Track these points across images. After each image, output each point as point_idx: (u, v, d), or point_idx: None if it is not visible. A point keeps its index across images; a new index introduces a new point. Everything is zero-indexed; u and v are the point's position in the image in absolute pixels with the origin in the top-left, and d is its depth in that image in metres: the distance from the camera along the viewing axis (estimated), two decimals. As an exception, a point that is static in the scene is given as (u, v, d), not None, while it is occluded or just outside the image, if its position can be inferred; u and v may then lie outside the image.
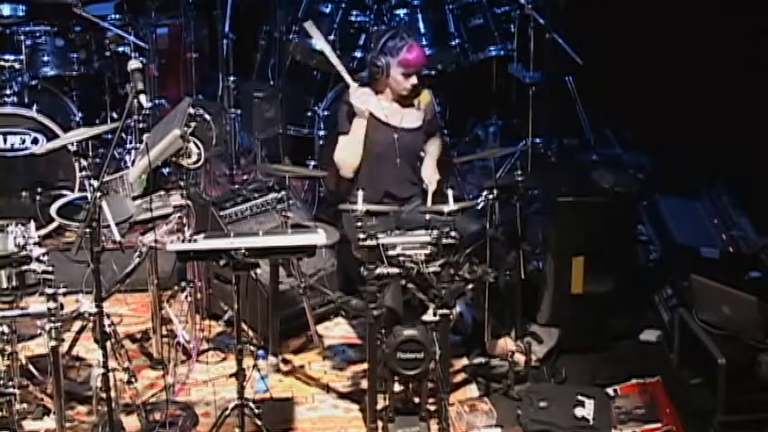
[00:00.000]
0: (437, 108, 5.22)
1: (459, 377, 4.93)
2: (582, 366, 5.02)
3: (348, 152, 5.00)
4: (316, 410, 4.74)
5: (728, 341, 4.61)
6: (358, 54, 6.61)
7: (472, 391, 4.86)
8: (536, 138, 6.57)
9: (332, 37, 6.55)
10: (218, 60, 7.01)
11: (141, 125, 6.51)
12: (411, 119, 5.09)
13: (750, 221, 5.78)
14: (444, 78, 6.76)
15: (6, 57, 6.36)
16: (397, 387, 4.49)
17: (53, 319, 3.87)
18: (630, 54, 6.83)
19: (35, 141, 6.06)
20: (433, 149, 5.25)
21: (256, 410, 4.27)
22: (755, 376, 4.56)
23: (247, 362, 4.32)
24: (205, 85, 7.39)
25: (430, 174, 5.12)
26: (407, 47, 4.91)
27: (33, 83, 6.40)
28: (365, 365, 4.50)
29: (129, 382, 4.54)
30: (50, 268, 4.06)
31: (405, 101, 5.06)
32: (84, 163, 4.54)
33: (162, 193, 4.83)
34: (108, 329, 4.38)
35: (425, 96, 5.12)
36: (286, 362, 5.07)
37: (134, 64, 4.12)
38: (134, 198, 4.84)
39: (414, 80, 4.97)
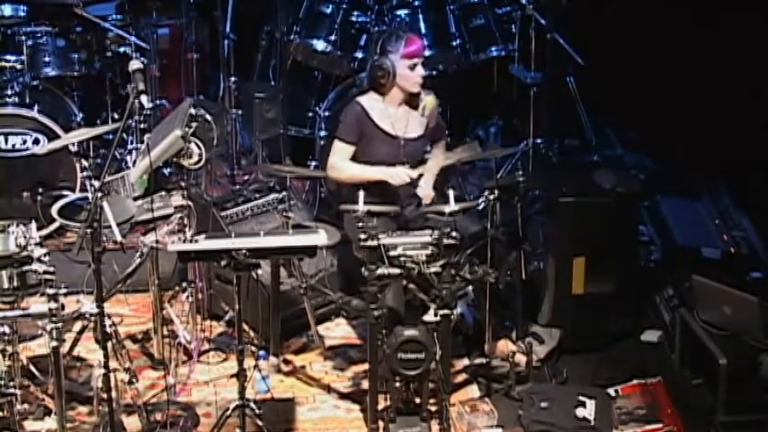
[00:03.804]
0: (439, 109, 5.21)
1: (461, 377, 4.93)
2: (583, 367, 5.02)
3: (344, 175, 4.95)
4: (317, 411, 4.73)
5: (729, 341, 4.61)
6: (359, 54, 6.61)
7: (473, 391, 4.85)
8: (537, 138, 6.57)
9: (333, 37, 6.56)
10: (219, 61, 7.01)
11: (142, 125, 6.50)
12: (415, 126, 5.05)
13: (751, 222, 5.77)
14: (445, 79, 6.75)
15: (8, 57, 6.36)
16: (398, 387, 4.49)
17: (54, 319, 3.87)
18: (631, 54, 6.83)
19: (36, 142, 6.06)
20: (432, 165, 5.14)
21: (257, 411, 4.27)
22: (756, 377, 4.56)
23: (248, 362, 4.33)
24: (206, 85, 7.40)
25: (426, 189, 5.02)
26: (405, 40, 4.91)
27: (34, 83, 6.39)
28: (366, 366, 4.49)
29: (130, 383, 4.53)
30: (51, 269, 4.05)
31: (412, 101, 5.03)
32: (85, 163, 4.53)
33: (163, 193, 4.83)
34: (109, 330, 4.38)
35: (431, 102, 5.08)
36: (287, 362, 5.07)
37: (135, 64, 4.12)
38: (135, 198, 4.84)
39: (421, 70, 4.94)
